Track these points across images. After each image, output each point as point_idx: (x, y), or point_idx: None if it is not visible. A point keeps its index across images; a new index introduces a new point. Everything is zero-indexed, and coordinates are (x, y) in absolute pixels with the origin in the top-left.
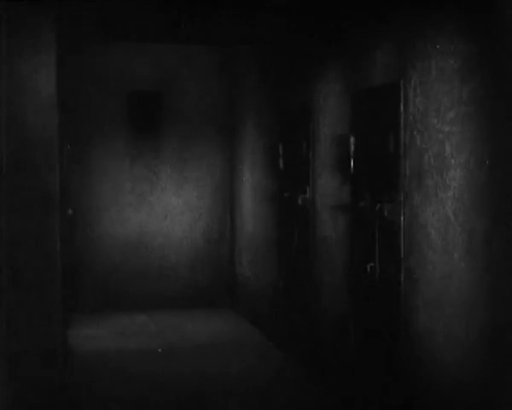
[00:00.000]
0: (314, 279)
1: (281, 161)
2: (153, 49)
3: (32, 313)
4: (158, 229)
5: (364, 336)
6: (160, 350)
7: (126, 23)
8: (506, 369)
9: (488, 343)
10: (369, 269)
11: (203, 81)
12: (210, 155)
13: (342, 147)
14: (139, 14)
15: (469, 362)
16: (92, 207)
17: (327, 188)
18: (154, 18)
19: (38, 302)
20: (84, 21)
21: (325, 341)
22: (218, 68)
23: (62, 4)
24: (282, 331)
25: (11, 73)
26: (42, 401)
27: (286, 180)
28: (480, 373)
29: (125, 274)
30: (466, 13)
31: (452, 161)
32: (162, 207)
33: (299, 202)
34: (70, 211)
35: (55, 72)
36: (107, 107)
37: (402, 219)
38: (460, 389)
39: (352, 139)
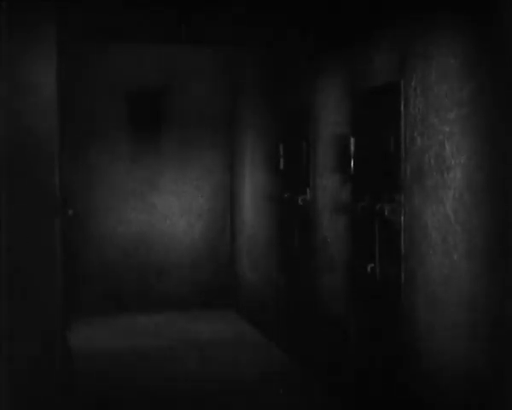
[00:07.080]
0: (314, 279)
1: (281, 162)
2: (153, 49)
3: (32, 313)
4: (158, 229)
5: (365, 336)
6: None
7: (127, 23)
8: (506, 369)
9: (488, 343)
10: (369, 269)
11: (203, 81)
12: (210, 156)
13: (342, 147)
14: (139, 15)
15: (470, 362)
16: (93, 207)
17: (327, 188)
18: (154, 18)
19: (38, 302)
20: (84, 21)
21: (326, 340)
22: (218, 68)
23: (63, 4)
24: (282, 331)
25: (11, 74)
26: (42, 402)
27: (286, 180)
28: (480, 374)
29: (126, 274)
30: (466, 13)
31: (452, 161)
32: (163, 208)
33: (300, 202)
34: (70, 211)
35: (55, 72)
36: (107, 107)
37: (402, 219)
38: (460, 388)
39: (352, 139)
